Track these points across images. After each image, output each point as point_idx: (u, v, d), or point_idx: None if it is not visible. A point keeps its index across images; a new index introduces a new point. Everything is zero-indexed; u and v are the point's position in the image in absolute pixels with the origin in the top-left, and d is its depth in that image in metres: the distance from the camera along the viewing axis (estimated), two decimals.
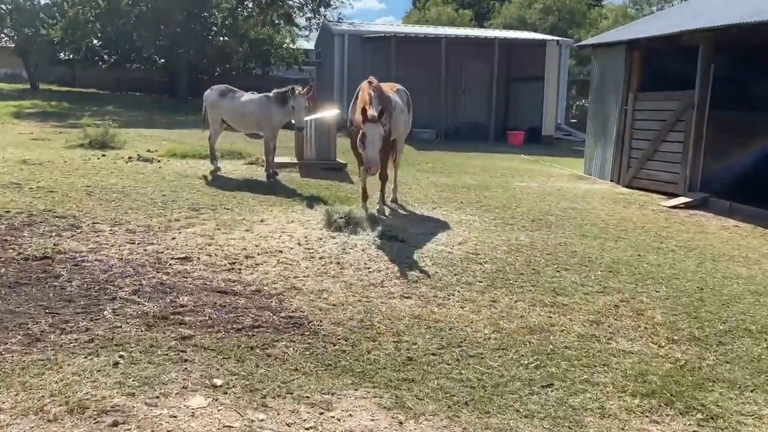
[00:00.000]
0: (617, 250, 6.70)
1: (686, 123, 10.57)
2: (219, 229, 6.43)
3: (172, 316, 4.09)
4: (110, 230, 6.05)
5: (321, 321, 4.22)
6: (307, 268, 5.35)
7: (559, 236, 7.15)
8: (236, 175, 10.07)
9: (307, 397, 3.22)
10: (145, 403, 3.01)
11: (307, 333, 4.01)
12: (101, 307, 4.16)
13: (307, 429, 2.94)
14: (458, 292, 5.01)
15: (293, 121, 9.46)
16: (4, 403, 2.93)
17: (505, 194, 9.98)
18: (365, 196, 7.96)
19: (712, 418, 3.32)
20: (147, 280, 4.73)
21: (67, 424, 2.81)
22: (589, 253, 6.43)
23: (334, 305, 4.52)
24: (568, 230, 7.52)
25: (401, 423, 3.07)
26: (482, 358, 3.84)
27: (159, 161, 10.90)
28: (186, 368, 3.40)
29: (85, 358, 3.42)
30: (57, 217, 6.36)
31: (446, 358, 3.81)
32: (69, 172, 8.98)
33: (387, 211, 7.86)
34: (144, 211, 6.95)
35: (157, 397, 3.08)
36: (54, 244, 5.39)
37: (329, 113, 11.95)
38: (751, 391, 3.66)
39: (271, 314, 4.27)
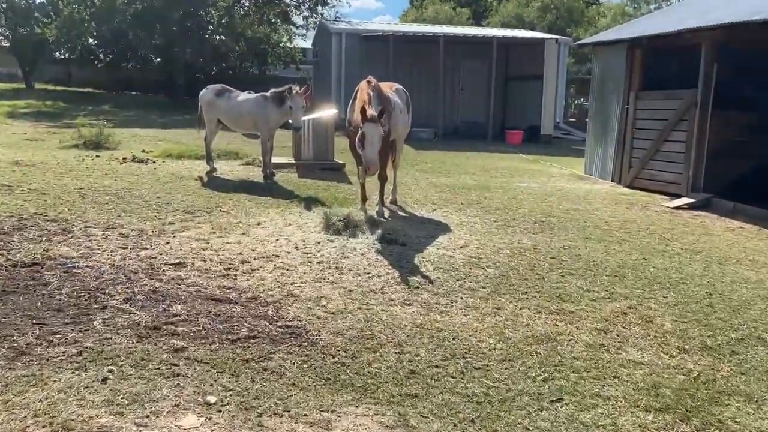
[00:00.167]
0: (622, 253, 6.55)
1: (689, 122, 10.42)
2: (214, 232, 6.27)
3: (164, 327, 3.93)
4: (103, 234, 5.89)
5: (319, 330, 4.06)
6: (304, 273, 5.20)
7: (563, 239, 6.99)
8: (232, 176, 9.91)
9: (306, 415, 3.05)
10: (135, 423, 2.85)
11: (305, 344, 3.85)
12: (91, 316, 4.00)
13: None
14: (461, 298, 4.85)
15: (290, 121, 9.32)
16: None
17: (505, 195, 9.83)
18: (364, 198, 7.81)
19: None
20: (139, 288, 4.56)
21: None
22: (594, 257, 6.27)
23: (332, 313, 4.37)
24: (571, 232, 7.36)
25: None
26: (488, 370, 3.68)
27: (154, 162, 10.74)
28: (178, 383, 3.23)
29: (73, 373, 3.25)
30: (48, 220, 6.20)
31: (450, 370, 3.64)
32: (62, 174, 8.81)
33: (386, 213, 7.69)
34: (138, 214, 6.79)
35: (147, 416, 2.92)
36: (44, 250, 5.23)
37: (327, 113, 11.80)
38: None
39: (267, 324, 4.10)
